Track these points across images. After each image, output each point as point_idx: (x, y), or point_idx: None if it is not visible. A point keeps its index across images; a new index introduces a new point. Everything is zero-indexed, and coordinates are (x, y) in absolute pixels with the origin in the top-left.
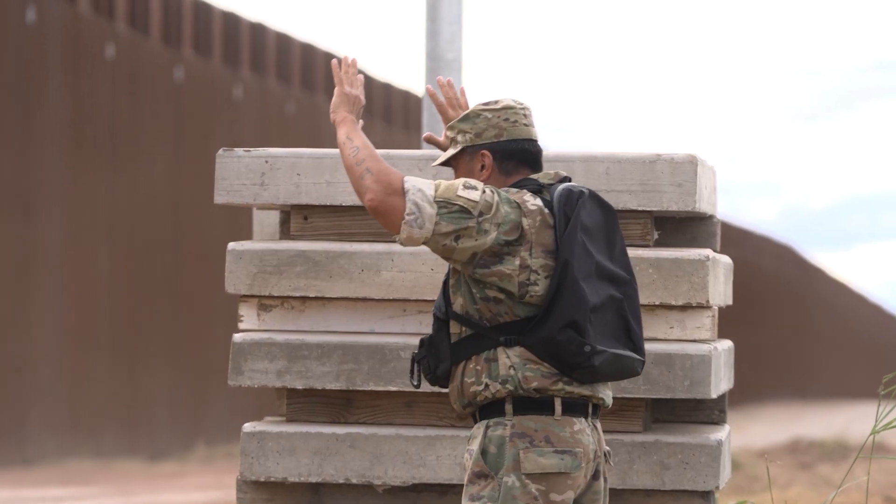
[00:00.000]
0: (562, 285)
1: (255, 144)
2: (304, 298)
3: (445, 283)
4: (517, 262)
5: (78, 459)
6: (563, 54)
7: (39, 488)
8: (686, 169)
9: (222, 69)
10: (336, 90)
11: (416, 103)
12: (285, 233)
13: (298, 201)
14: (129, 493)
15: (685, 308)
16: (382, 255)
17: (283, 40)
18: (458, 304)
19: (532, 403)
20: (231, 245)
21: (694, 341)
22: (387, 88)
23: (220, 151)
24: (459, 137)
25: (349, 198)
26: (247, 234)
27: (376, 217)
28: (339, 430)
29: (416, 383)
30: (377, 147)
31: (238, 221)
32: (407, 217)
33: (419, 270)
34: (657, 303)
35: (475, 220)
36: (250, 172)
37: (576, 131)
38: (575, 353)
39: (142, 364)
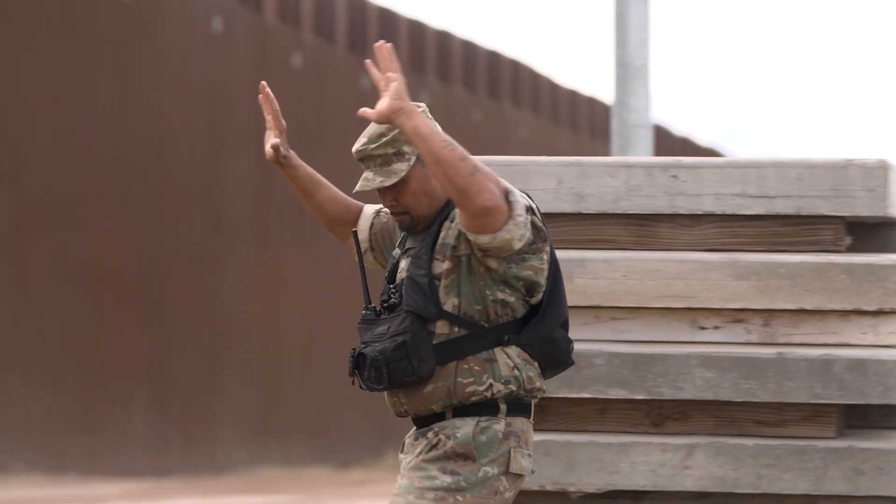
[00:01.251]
0: (556, 283)
1: None
2: None
3: (426, 282)
4: (545, 255)
5: (268, 467)
6: (752, 58)
7: (230, 496)
8: (878, 174)
9: (409, 76)
10: (396, 76)
11: (602, 110)
12: None
13: None
14: (319, 501)
15: (878, 313)
16: (575, 262)
17: (469, 48)
18: (450, 304)
19: (520, 405)
20: None
21: (887, 347)
22: (573, 95)
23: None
24: (406, 148)
25: (541, 205)
26: None
27: (483, 218)
28: (534, 437)
29: (378, 387)
30: (570, 154)
31: None
32: (517, 219)
33: (611, 277)
34: (850, 308)
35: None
36: None
37: (766, 135)
38: (564, 350)
39: (331, 373)
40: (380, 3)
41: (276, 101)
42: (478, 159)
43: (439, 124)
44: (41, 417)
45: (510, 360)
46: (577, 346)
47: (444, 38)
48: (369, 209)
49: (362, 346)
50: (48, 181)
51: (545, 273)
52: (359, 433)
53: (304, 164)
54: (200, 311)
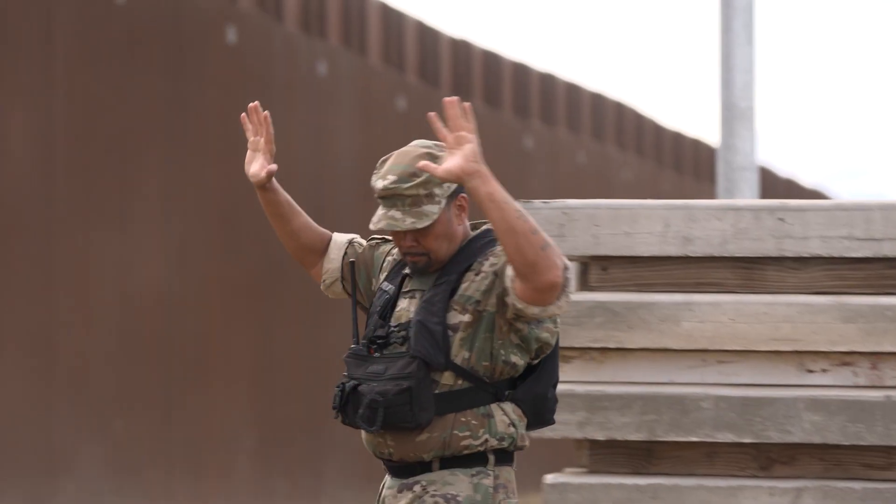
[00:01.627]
0: (555, 344)
1: (545, 195)
2: (603, 350)
3: (439, 331)
4: (558, 318)
5: None
6: (856, 98)
7: None
8: None
9: (512, 119)
10: (471, 136)
11: (707, 152)
12: (584, 284)
13: (597, 252)
14: None
15: None
16: (681, 305)
17: (573, 90)
18: (461, 357)
19: (506, 454)
20: None
21: None
22: (677, 137)
23: (519, 203)
24: (438, 190)
25: (648, 248)
26: None
27: (546, 293)
28: (641, 480)
29: (369, 428)
30: (674, 197)
31: None
32: (570, 295)
33: (719, 320)
34: None
35: None
36: (549, 224)
37: (870, 176)
38: (551, 409)
39: None
40: (484, 46)
41: (271, 125)
42: (586, 202)
43: (543, 167)
44: (147, 460)
45: (506, 417)
46: (683, 390)
47: (548, 80)
48: (341, 238)
49: (353, 381)
50: (156, 221)
51: (556, 336)
52: None
53: (282, 189)
54: (305, 354)
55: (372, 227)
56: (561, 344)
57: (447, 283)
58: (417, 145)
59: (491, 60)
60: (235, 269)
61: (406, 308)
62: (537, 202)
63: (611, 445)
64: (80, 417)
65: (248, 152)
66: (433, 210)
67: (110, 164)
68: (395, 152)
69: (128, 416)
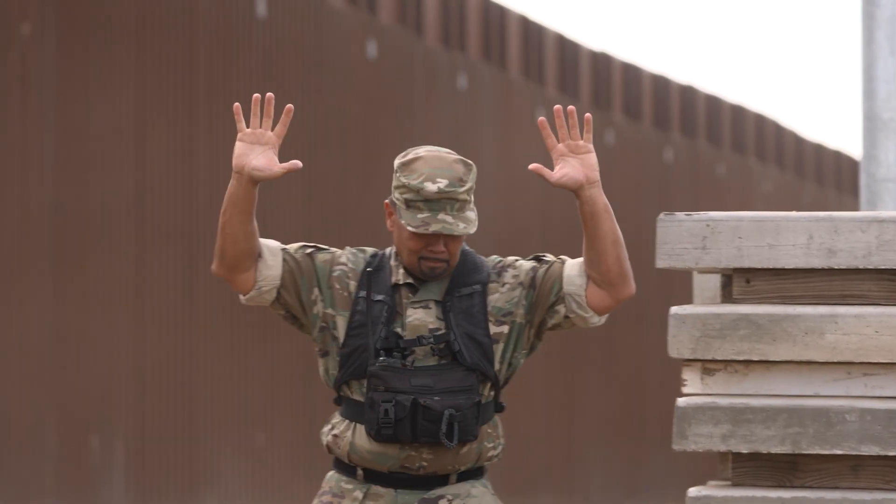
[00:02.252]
0: None
1: (685, 207)
2: (747, 362)
3: (487, 343)
4: None
5: None
6: None
7: None
8: None
9: (652, 132)
10: (591, 147)
11: (848, 164)
12: (727, 296)
13: (740, 265)
14: None
15: None
16: (826, 317)
17: (713, 102)
18: (501, 368)
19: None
20: (673, 310)
21: None
22: (818, 149)
23: (662, 216)
24: (472, 197)
25: (792, 261)
26: (676, 299)
27: (620, 303)
28: (785, 493)
29: (453, 443)
30: (815, 209)
31: (668, 285)
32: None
33: (864, 333)
34: None
35: None
36: (691, 236)
37: None
38: None
39: (578, 428)
40: (624, 59)
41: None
42: (729, 214)
43: (683, 179)
44: (289, 474)
45: (500, 425)
46: (828, 403)
47: (688, 92)
48: (271, 243)
49: (406, 395)
50: (296, 233)
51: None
52: (605, 487)
53: None
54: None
55: (418, 230)
56: (704, 356)
57: (478, 295)
58: (441, 151)
59: (631, 73)
60: None
61: (422, 319)
62: (680, 214)
63: (754, 458)
64: (222, 432)
65: (244, 144)
66: (475, 216)
67: None
68: (422, 155)
69: (269, 431)
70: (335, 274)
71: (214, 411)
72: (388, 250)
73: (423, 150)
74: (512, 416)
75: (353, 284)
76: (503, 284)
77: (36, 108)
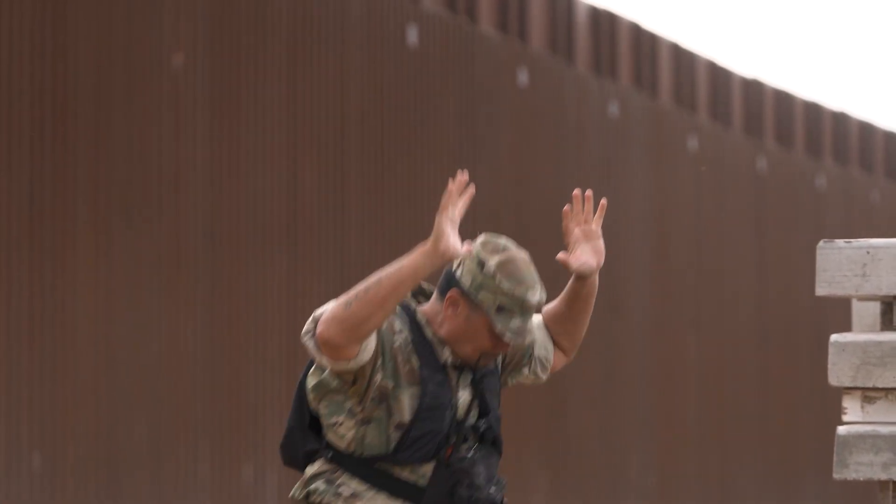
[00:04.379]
0: None
1: (839, 235)
2: None
3: (497, 399)
4: None
5: None
6: None
7: None
8: None
9: (804, 159)
10: (599, 232)
11: None
12: (887, 324)
13: None
14: None
15: None
16: None
17: (866, 129)
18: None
19: None
20: (834, 337)
21: None
22: None
23: (821, 243)
24: None
25: None
26: (830, 327)
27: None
28: None
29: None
30: None
31: (821, 312)
32: None
33: None
34: None
35: None
36: (851, 263)
37: None
38: None
39: (731, 454)
40: (776, 86)
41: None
42: (890, 242)
43: (836, 206)
44: None
45: None
46: None
47: (840, 119)
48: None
49: (481, 490)
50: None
51: None
52: None
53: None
54: (599, 394)
55: (517, 339)
56: (865, 384)
57: (496, 370)
58: (515, 248)
59: (783, 99)
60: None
61: (466, 401)
62: (840, 242)
63: None
64: None
65: (450, 226)
66: None
67: (400, 210)
68: (513, 258)
69: None
70: (396, 344)
71: None
72: (407, 308)
73: (510, 250)
74: (664, 446)
75: (415, 358)
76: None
77: (188, 137)
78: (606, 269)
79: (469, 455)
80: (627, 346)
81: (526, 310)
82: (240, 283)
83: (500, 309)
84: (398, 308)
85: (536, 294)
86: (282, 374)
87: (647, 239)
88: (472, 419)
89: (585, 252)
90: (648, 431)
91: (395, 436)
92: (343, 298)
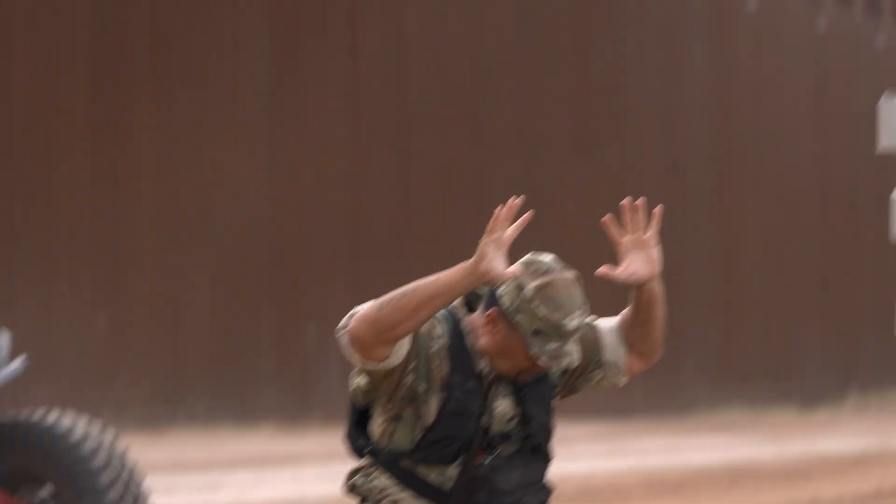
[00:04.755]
0: None
1: None
2: None
3: (552, 429)
4: None
5: (730, 408)
6: None
7: (694, 436)
8: None
9: (863, 18)
10: (654, 241)
11: None
12: None
13: None
14: (782, 441)
15: None
16: None
17: None
18: None
19: None
20: (895, 195)
21: None
22: None
23: (884, 97)
24: None
25: None
26: (892, 185)
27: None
28: None
29: None
30: None
31: (886, 172)
32: None
33: None
34: None
35: None
36: None
37: None
38: None
39: (792, 313)
40: None
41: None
42: None
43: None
44: None
45: None
46: None
47: None
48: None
49: (506, 496)
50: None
51: None
52: (822, 373)
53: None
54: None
55: (552, 363)
56: None
57: (546, 379)
58: (560, 270)
59: None
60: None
61: (505, 409)
62: None
63: None
64: None
65: (494, 248)
66: None
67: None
68: (552, 281)
69: None
70: (433, 349)
71: None
72: (454, 314)
73: (552, 273)
74: (726, 306)
75: (447, 364)
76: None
77: (250, 129)
78: (668, 132)
79: (488, 462)
80: (688, 208)
81: (563, 335)
82: (301, 138)
83: (536, 332)
84: (444, 313)
85: (575, 320)
86: (345, 236)
87: (707, 102)
88: (509, 427)
89: (635, 262)
90: (710, 292)
91: (419, 436)
92: (380, 301)
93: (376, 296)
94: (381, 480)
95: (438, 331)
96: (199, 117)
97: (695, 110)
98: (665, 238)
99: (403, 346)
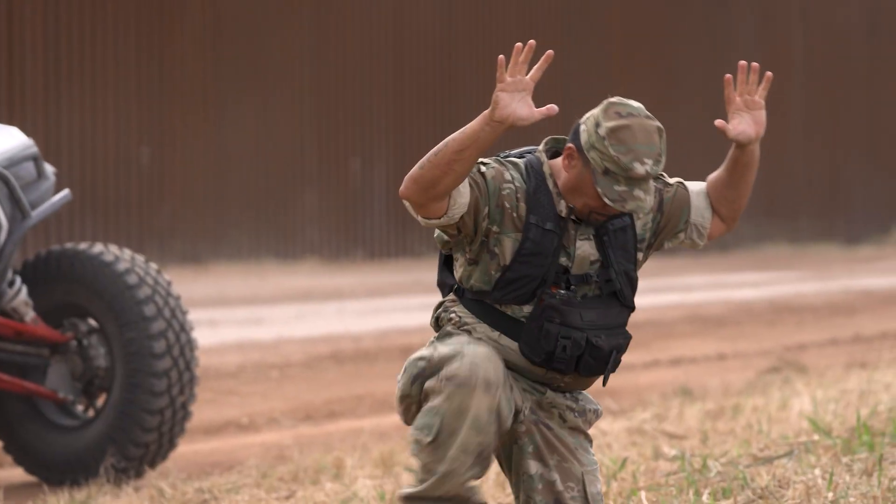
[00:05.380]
0: None
1: None
2: None
3: (636, 279)
4: None
5: (774, 244)
6: None
7: (737, 273)
8: None
9: None
10: (762, 103)
11: None
12: None
13: None
14: (826, 278)
15: None
16: None
17: None
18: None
19: None
20: None
21: None
22: None
23: None
24: None
25: None
26: None
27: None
28: None
29: (605, 379)
30: None
31: None
32: None
33: None
34: None
35: None
36: None
37: None
38: None
39: (837, 150)
40: None
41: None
42: None
43: None
44: None
45: None
46: None
47: None
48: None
49: (578, 332)
50: None
51: None
52: (866, 209)
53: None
54: (705, 87)
55: (615, 204)
56: None
57: (629, 228)
58: (644, 117)
59: None
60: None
61: (586, 251)
62: None
63: None
64: None
65: (506, 94)
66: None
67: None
68: (629, 125)
69: None
70: (505, 192)
71: None
72: (536, 160)
73: (628, 117)
74: (773, 140)
75: (522, 207)
76: (638, 216)
77: None
78: None
79: (562, 294)
80: (735, 37)
81: (632, 178)
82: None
83: (606, 172)
84: (519, 161)
85: (646, 165)
86: (388, 70)
87: None
88: (590, 270)
89: (744, 121)
90: None
91: (496, 276)
92: (422, 160)
93: (418, 131)
94: (461, 314)
95: (508, 175)
96: None
97: None
98: (710, 67)
99: (462, 197)
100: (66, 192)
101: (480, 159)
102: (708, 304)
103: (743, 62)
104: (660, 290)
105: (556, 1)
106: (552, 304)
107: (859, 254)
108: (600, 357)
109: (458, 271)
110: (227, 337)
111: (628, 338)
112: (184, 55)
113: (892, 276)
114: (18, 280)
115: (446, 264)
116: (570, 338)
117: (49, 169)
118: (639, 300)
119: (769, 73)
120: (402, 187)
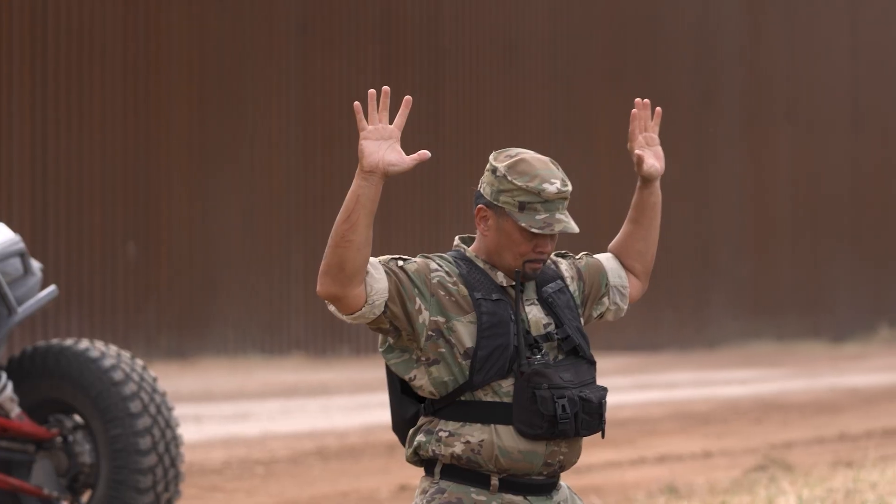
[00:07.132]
0: None
1: None
2: None
3: (586, 335)
4: None
5: (761, 341)
6: None
7: (723, 370)
8: None
9: None
10: (657, 139)
11: None
12: None
13: None
14: (812, 375)
15: None
16: None
17: None
18: None
19: None
20: None
21: None
22: None
23: None
24: None
25: None
26: None
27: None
28: None
29: (597, 432)
30: None
31: None
32: None
33: None
34: None
35: None
36: None
37: None
38: None
39: (823, 247)
40: None
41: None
42: None
43: None
44: None
45: None
46: None
47: None
48: (371, 258)
49: (567, 390)
50: None
51: None
52: (851, 307)
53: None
54: (691, 184)
55: (543, 230)
56: None
57: (566, 289)
58: (532, 152)
59: None
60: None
61: (538, 316)
62: None
63: None
64: None
65: (370, 142)
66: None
67: None
68: (527, 158)
69: None
70: (434, 280)
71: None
72: (457, 251)
73: (518, 154)
74: (758, 234)
75: (462, 288)
76: (574, 278)
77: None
78: (698, 59)
79: (538, 360)
80: (720, 137)
81: (547, 201)
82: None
83: (521, 207)
84: (444, 254)
85: (555, 184)
86: None
87: (739, 25)
88: (547, 331)
89: (650, 156)
90: (740, 224)
91: (465, 364)
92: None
93: (405, 228)
94: (447, 427)
95: (434, 265)
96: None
97: (727, 35)
98: (695, 169)
99: (378, 282)
100: (52, 287)
101: (402, 256)
102: (694, 401)
103: (638, 99)
104: (645, 387)
105: (543, 122)
106: (536, 371)
107: (845, 351)
108: (593, 411)
109: (423, 382)
110: (212, 432)
111: (606, 389)
112: (168, 151)
113: (878, 374)
114: (4, 376)
115: (405, 392)
116: (565, 396)
117: (35, 265)
118: (623, 397)
119: (658, 109)
120: (317, 289)
